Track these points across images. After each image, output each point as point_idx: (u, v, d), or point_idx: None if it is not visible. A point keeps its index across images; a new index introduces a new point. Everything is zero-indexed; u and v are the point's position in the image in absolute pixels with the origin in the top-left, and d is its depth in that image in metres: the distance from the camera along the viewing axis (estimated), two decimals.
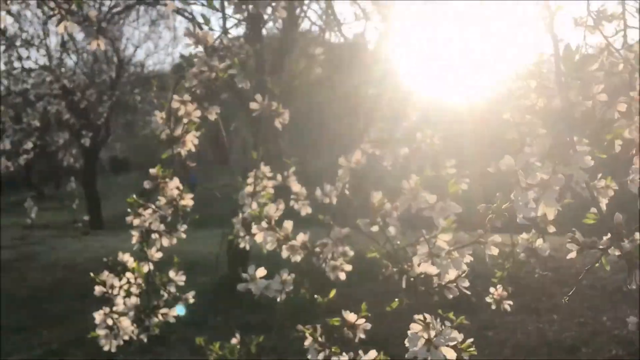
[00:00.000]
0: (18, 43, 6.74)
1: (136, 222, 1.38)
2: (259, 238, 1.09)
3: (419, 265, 0.89)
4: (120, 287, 1.51)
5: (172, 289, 1.61)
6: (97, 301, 6.38)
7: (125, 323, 1.46)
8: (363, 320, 1.15)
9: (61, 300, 7.34)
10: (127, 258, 1.56)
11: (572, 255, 0.83)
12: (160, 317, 1.50)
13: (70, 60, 8.18)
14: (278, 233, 1.09)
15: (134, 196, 1.37)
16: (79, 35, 10.83)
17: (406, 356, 0.88)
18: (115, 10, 7.93)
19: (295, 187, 1.58)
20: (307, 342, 1.14)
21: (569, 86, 0.74)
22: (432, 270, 0.97)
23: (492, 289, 1.64)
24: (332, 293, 1.21)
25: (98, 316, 1.48)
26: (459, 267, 0.84)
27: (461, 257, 0.83)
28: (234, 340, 1.67)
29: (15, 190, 33.35)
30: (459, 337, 1.10)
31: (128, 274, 1.54)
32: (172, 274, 1.62)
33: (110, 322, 1.44)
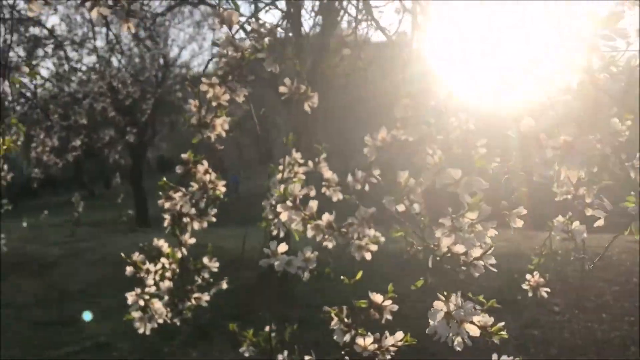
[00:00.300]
0: (66, 43, 6.97)
1: (167, 205, 1.41)
2: (283, 217, 1.09)
3: (443, 242, 0.86)
4: (155, 272, 1.54)
5: (206, 275, 1.63)
6: None
7: (157, 305, 1.49)
8: (390, 301, 1.13)
9: (110, 294, 7.56)
10: (162, 243, 1.59)
11: (600, 223, 0.80)
12: (193, 301, 1.52)
13: (116, 61, 8.41)
14: (303, 212, 1.08)
15: (164, 179, 1.39)
16: (126, 38, 11.11)
17: (426, 331, 0.86)
18: (158, 11, 8.10)
19: (327, 173, 1.57)
20: (332, 323, 1.13)
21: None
22: (459, 249, 0.94)
23: (528, 276, 1.60)
24: (359, 275, 1.19)
25: (130, 297, 1.51)
26: (482, 240, 0.81)
27: (485, 231, 0.80)
28: (267, 328, 1.68)
29: (67, 190, 34.57)
30: (489, 319, 1.07)
31: (163, 259, 1.57)
32: (206, 260, 1.64)
33: (142, 302, 1.47)
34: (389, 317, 1.14)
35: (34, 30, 6.40)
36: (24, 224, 11.63)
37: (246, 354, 1.68)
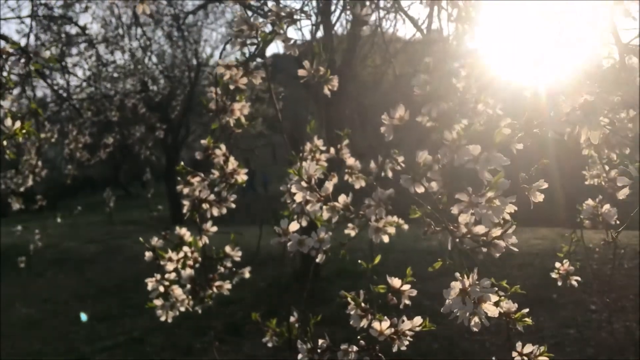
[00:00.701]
0: (99, 40, 7.10)
1: (186, 190, 1.40)
2: (298, 197, 1.06)
3: (461, 218, 0.83)
4: (177, 260, 1.54)
5: (228, 264, 1.62)
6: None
7: (178, 291, 1.48)
8: (408, 286, 1.10)
9: (144, 290, 7.67)
10: (184, 232, 1.59)
11: (624, 193, 0.75)
12: (214, 289, 1.51)
13: (149, 62, 8.54)
14: (318, 193, 1.05)
15: (182, 163, 1.38)
16: (159, 39, 11.25)
17: (442, 310, 0.83)
18: (188, 10, 8.19)
19: (349, 160, 1.54)
20: (349, 308, 1.10)
21: None
22: (479, 229, 0.90)
23: (557, 264, 1.54)
24: (377, 258, 1.16)
25: (150, 283, 1.51)
26: (499, 215, 0.77)
27: (503, 206, 0.76)
28: (292, 319, 1.65)
29: (104, 190, 35.36)
30: (513, 305, 1.03)
31: (185, 248, 1.56)
32: (228, 249, 1.63)
33: (162, 289, 1.47)
34: (407, 302, 1.11)
35: (67, 29, 6.54)
36: (58, 220, 11.90)
37: (269, 344, 1.66)
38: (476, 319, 0.81)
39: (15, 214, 6.70)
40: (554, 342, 5.00)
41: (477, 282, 0.79)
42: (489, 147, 0.78)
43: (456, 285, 0.80)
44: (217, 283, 1.51)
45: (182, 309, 1.50)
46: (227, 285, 1.52)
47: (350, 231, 1.45)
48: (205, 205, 1.36)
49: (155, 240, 1.52)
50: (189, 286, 1.51)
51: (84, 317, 5.96)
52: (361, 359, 1.09)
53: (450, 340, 5.25)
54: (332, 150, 1.55)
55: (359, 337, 1.10)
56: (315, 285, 6.90)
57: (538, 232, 8.09)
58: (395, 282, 1.08)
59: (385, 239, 1.11)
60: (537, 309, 5.58)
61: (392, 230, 1.11)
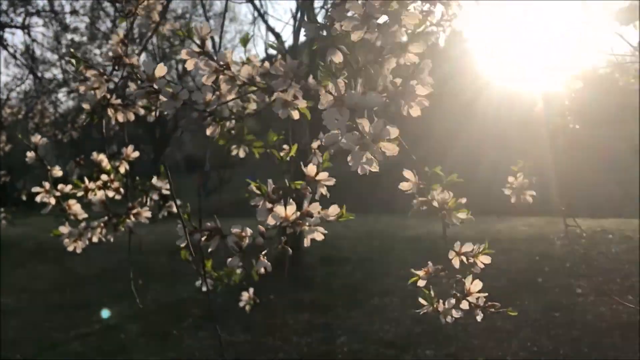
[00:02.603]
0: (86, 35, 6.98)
1: (82, 88, 1.23)
2: (189, 65, 0.91)
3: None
4: (93, 190, 1.39)
5: (155, 197, 1.47)
6: (157, 280, 6.51)
7: (76, 206, 1.33)
8: (326, 174, 0.94)
9: (124, 279, 7.49)
10: (102, 157, 1.44)
11: None
12: (132, 217, 1.36)
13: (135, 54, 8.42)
14: (214, 60, 0.90)
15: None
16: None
17: (323, 122, 0.65)
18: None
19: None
20: (254, 201, 0.93)
21: None
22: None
23: (510, 178, 1.40)
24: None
25: (38, 189, 1.34)
26: None
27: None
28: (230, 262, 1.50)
29: None
30: (448, 194, 0.88)
31: (103, 176, 1.42)
32: (154, 180, 1.48)
33: (52, 201, 1.31)
34: (324, 191, 0.96)
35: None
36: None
37: (203, 288, 1.51)
38: (374, 164, 0.65)
39: None
40: (539, 325, 4.86)
41: (353, 92, 0.64)
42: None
43: (327, 96, 0.65)
44: (135, 210, 1.36)
45: (95, 238, 1.35)
46: (146, 213, 1.37)
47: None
48: (110, 111, 1.21)
49: (71, 166, 1.37)
50: (100, 209, 1.36)
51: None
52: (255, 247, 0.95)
53: (434, 325, 5.11)
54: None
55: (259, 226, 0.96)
56: (299, 272, 6.75)
57: (526, 220, 7.96)
58: (310, 169, 0.93)
59: (295, 114, 0.95)
60: (523, 292, 5.44)
61: (303, 103, 0.94)
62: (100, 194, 1.33)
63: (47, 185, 1.33)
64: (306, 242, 0.94)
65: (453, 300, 0.85)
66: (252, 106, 1.22)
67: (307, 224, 0.90)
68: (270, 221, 0.88)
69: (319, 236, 0.93)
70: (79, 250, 1.37)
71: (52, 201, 1.33)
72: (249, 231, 0.98)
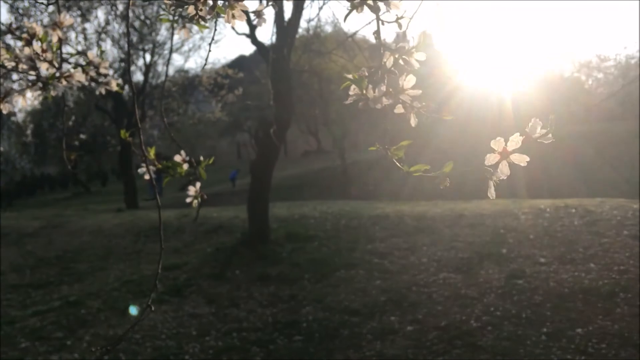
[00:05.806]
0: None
1: None
2: None
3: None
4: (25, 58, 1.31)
5: (92, 72, 1.40)
6: (119, 260, 6.32)
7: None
8: None
9: (85, 259, 7.35)
10: (34, 24, 1.36)
11: None
12: (64, 81, 1.29)
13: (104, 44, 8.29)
14: None
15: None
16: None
17: None
18: None
19: None
20: None
21: None
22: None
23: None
24: None
25: None
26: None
27: None
28: (177, 158, 1.43)
29: (64, 189, 34.65)
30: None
31: (35, 45, 1.34)
32: (90, 54, 1.41)
33: None
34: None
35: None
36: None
37: (146, 176, 1.43)
38: None
39: None
40: (502, 292, 4.88)
41: None
42: None
43: None
44: (67, 73, 1.29)
45: (22, 101, 1.27)
46: (79, 76, 1.30)
47: None
48: None
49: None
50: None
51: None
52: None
53: (399, 293, 5.09)
54: None
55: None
56: (266, 248, 6.68)
57: (492, 201, 8.02)
58: None
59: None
60: (487, 262, 5.46)
61: None
62: (27, 50, 1.25)
63: None
64: None
65: (383, 87, 0.81)
66: None
67: None
68: None
69: None
70: (5, 112, 1.28)
71: None
72: None
